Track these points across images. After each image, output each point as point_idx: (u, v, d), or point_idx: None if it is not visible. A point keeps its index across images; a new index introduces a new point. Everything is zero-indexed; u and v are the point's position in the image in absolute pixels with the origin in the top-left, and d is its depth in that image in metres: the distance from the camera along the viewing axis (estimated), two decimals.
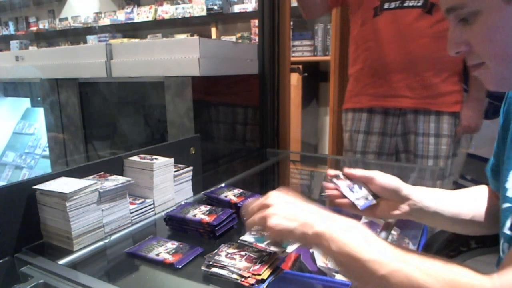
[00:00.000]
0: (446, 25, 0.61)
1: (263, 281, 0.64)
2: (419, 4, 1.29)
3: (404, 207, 0.75)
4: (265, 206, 0.63)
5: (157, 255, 0.74)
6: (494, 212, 0.77)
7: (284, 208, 0.61)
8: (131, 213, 0.88)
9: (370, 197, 0.76)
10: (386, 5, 1.34)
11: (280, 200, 0.63)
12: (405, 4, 1.31)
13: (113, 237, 0.83)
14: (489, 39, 0.54)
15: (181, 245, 0.78)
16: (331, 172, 0.80)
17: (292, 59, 2.31)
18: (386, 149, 1.48)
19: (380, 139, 1.47)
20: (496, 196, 0.79)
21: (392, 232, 0.86)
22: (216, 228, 0.81)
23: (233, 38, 3.40)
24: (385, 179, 0.76)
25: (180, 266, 0.71)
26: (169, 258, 0.73)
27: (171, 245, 0.78)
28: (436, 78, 1.34)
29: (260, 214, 0.63)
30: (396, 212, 0.76)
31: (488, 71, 0.57)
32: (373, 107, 1.46)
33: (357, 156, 1.52)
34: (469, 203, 0.79)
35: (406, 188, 0.75)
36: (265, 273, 0.65)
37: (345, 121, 1.57)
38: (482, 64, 0.57)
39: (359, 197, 0.76)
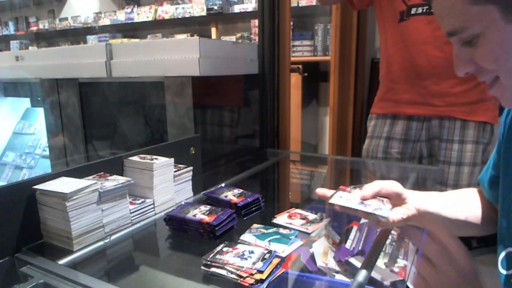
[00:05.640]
0: None
1: (262, 281, 0.64)
2: None
3: (412, 210, 0.73)
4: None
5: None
6: (488, 216, 0.77)
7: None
8: (131, 213, 0.88)
9: (385, 204, 0.70)
10: (413, 10, 1.30)
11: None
12: (433, 10, 1.28)
13: (113, 237, 0.83)
14: (494, 58, 0.54)
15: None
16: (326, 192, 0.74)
17: (292, 59, 2.31)
18: (407, 155, 1.43)
19: (401, 145, 1.43)
20: (489, 203, 0.79)
21: (392, 232, 0.86)
22: (216, 228, 0.81)
23: (233, 38, 3.40)
24: (388, 185, 0.73)
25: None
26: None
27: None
28: (463, 86, 1.29)
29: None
30: (402, 217, 0.71)
31: (502, 88, 0.57)
32: (397, 114, 1.42)
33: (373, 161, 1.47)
34: (461, 205, 0.79)
35: (406, 193, 0.74)
36: (265, 273, 0.65)
37: (368, 126, 1.53)
38: (497, 79, 0.57)
39: (377, 208, 0.69)
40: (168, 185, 0.98)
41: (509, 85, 0.55)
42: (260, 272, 0.65)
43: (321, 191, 0.73)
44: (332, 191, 0.73)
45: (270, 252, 0.72)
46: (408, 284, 0.78)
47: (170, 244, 0.87)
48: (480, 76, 0.59)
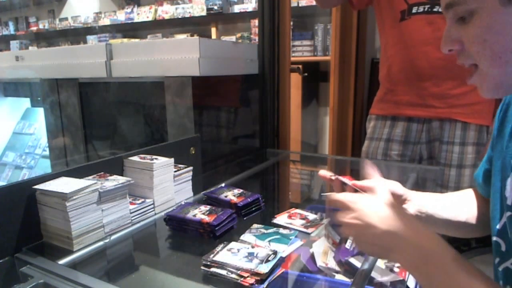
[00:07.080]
0: None
1: (262, 281, 0.64)
2: None
3: (411, 211, 0.73)
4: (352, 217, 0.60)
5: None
6: (484, 215, 0.78)
7: (366, 231, 0.58)
8: (131, 213, 0.88)
9: None
10: (414, 9, 1.28)
11: (365, 218, 0.59)
12: (435, 9, 1.25)
13: (113, 237, 0.83)
14: (482, 39, 0.54)
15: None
16: (327, 173, 0.78)
17: (292, 59, 2.31)
18: (407, 157, 1.42)
19: (401, 147, 1.41)
20: (485, 201, 0.79)
21: None
22: (216, 228, 0.81)
23: (233, 38, 3.40)
24: (388, 185, 0.73)
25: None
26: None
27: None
28: (463, 87, 1.28)
29: (347, 226, 0.61)
30: None
31: (482, 76, 0.57)
32: (397, 115, 1.41)
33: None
34: (462, 206, 0.79)
35: (406, 193, 0.75)
36: (265, 273, 0.65)
37: (368, 127, 1.51)
38: (476, 67, 0.58)
39: None
40: (168, 185, 0.98)
41: (489, 73, 0.56)
42: (260, 272, 0.65)
43: (323, 172, 0.79)
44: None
45: (275, 253, 0.71)
46: (408, 284, 0.78)
47: (170, 244, 0.87)
48: (460, 58, 0.60)
